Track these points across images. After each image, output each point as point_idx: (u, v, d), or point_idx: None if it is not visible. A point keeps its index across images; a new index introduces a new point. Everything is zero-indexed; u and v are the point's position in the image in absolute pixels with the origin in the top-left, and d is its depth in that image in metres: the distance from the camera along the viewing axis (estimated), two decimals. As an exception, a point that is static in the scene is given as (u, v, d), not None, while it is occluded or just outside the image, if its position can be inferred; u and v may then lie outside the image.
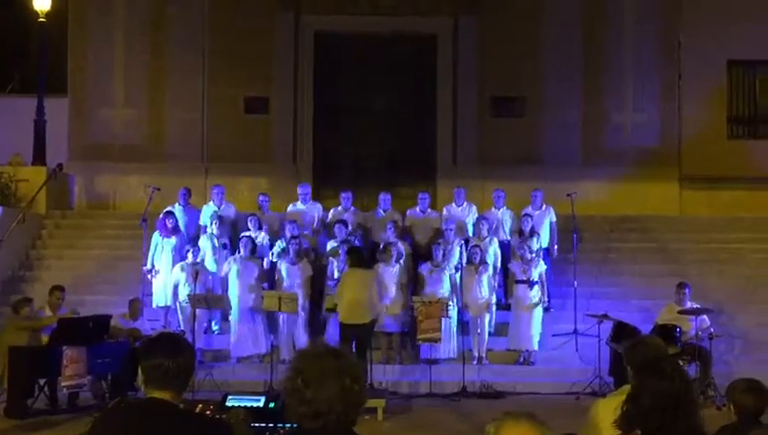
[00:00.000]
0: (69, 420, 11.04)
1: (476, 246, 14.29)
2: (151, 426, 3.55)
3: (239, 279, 13.88)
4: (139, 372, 3.66)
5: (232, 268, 14.00)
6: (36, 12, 17.59)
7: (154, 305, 14.28)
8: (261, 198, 15.94)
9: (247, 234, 14.60)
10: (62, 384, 11.41)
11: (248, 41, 19.25)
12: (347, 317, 12.64)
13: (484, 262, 14.13)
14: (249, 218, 14.99)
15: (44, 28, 17.76)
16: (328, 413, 3.02)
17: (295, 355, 3.17)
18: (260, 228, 14.94)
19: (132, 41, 19.41)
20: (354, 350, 12.37)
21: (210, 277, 14.21)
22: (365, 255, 13.32)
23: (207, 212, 15.43)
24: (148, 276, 14.49)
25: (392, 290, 13.81)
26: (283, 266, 14.08)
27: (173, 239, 14.62)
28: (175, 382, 3.64)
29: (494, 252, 14.67)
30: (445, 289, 13.82)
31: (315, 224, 15.65)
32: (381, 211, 15.67)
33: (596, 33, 19.58)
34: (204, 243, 14.72)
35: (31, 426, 10.80)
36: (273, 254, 14.59)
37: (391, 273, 13.88)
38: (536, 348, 13.90)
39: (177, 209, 15.32)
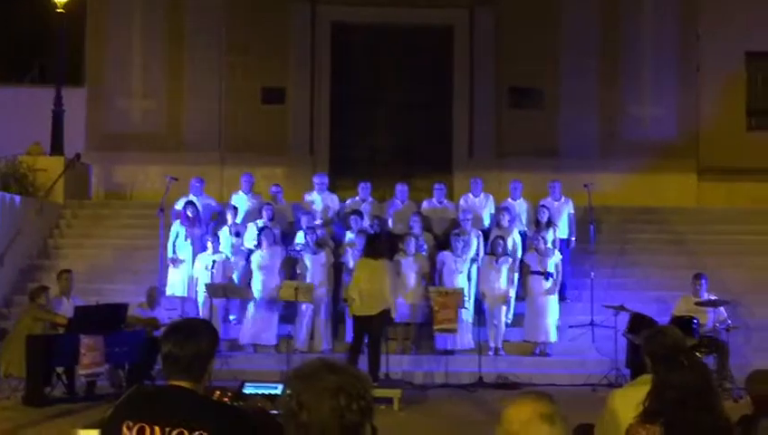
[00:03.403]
0: (87, 409, 11.01)
1: (500, 236, 14.20)
2: (170, 411, 3.55)
3: (262, 269, 13.94)
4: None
5: (255, 258, 14.06)
6: (55, 2, 17.65)
7: (168, 293, 14.20)
8: (274, 188, 15.96)
9: (261, 223, 14.63)
10: (80, 372, 11.47)
11: (265, 31, 19.30)
12: (359, 309, 12.50)
13: (506, 253, 14.07)
14: (264, 208, 14.96)
15: (63, 19, 17.80)
16: None
17: (289, 375, 2.86)
18: (273, 219, 14.92)
19: (150, 31, 19.50)
20: (367, 341, 12.41)
21: (232, 267, 14.23)
22: (383, 244, 13.19)
23: (239, 201, 15.54)
24: (172, 265, 14.46)
25: (411, 280, 13.79)
26: (306, 257, 14.10)
27: (194, 229, 14.63)
28: (185, 371, 3.60)
29: (512, 243, 14.59)
30: (462, 280, 13.81)
31: (329, 214, 15.64)
32: (399, 202, 15.64)
33: (614, 24, 19.54)
34: (223, 232, 14.74)
35: (49, 414, 10.80)
36: (297, 245, 14.49)
37: (409, 263, 13.86)
38: (553, 340, 13.87)
39: (193, 199, 15.30)
